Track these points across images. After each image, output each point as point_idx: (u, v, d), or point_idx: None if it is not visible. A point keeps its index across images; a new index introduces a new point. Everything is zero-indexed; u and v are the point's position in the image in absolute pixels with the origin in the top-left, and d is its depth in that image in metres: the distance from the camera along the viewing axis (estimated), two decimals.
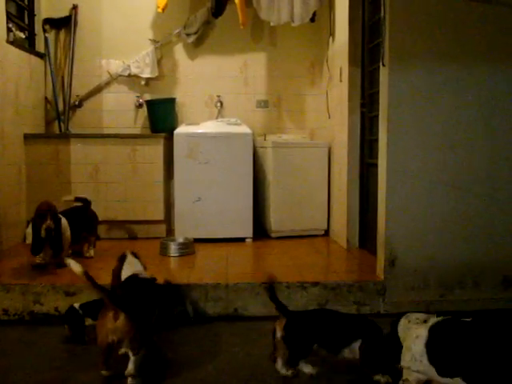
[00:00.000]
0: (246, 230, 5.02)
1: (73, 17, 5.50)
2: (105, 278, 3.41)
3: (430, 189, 3.52)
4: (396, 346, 2.36)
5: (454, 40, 3.47)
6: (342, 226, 4.80)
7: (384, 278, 3.53)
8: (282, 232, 5.12)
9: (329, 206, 5.25)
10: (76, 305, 3.12)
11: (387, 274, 3.52)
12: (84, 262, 4.11)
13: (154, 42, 5.59)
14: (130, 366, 2.47)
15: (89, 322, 3.03)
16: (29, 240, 3.92)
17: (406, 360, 2.32)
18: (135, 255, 3.17)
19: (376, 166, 3.74)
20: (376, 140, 3.87)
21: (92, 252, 4.28)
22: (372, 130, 4.43)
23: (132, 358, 2.48)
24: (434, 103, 3.49)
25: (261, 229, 5.26)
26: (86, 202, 4.35)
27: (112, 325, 2.45)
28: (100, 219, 4.53)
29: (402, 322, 2.39)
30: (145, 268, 3.16)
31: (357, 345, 2.49)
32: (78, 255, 4.22)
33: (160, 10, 5.26)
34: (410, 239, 3.53)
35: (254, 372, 2.66)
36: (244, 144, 5.00)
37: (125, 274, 2.99)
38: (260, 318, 3.40)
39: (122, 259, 3.08)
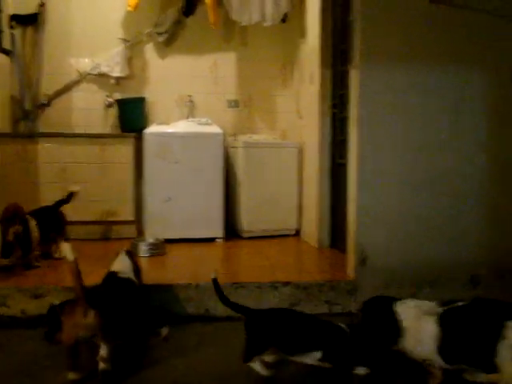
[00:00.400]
0: (217, 230, 5.01)
1: (40, 14, 5.41)
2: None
3: (399, 189, 3.56)
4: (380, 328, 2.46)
5: (422, 42, 3.52)
6: (313, 226, 4.83)
7: (355, 277, 3.56)
8: (253, 232, 5.13)
9: (300, 205, 5.27)
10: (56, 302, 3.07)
11: (358, 274, 3.55)
12: (53, 262, 4.05)
13: (125, 40, 5.53)
14: (102, 352, 2.46)
15: None
16: None
17: (424, 352, 2.41)
18: (129, 254, 3.15)
19: (346, 166, 3.77)
20: (346, 140, 3.90)
21: (61, 253, 4.21)
22: (343, 130, 4.47)
23: (103, 346, 2.47)
24: (403, 104, 3.54)
25: (232, 229, 5.26)
26: (61, 201, 4.28)
27: (82, 321, 2.45)
28: (69, 220, 4.46)
29: (412, 310, 2.45)
30: (137, 268, 3.12)
31: (317, 355, 2.39)
32: (47, 256, 4.16)
33: (131, 9, 5.21)
34: (381, 239, 3.57)
35: (225, 371, 2.66)
36: (215, 144, 4.99)
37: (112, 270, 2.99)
38: (231, 319, 3.38)
39: (116, 257, 3.08)
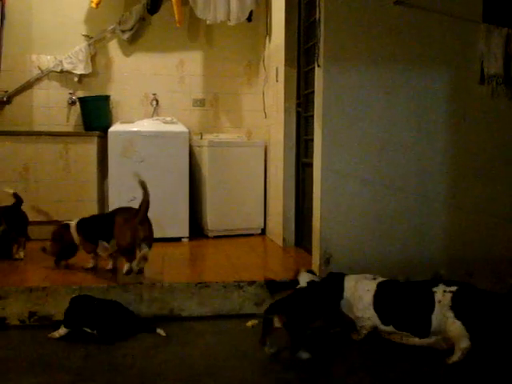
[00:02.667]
0: (182, 229, 4.98)
1: (0, 8, 5.28)
2: (34, 280, 3.34)
3: (363, 188, 3.60)
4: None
5: (387, 43, 3.57)
6: (278, 225, 4.84)
7: (319, 275, 3.58)
8: (218, 231, 5.12)
9: (265, 205, 5.28)
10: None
11: (322, 272, 3.57)
12: (13, 263, 3.97)
13: (88, 37, 5.45)
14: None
15: None
16: None
17: (359, 309, 3.00)
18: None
19: (311, 165, 3.80)
20: (311, 140, 3.93)
21: (22, 254, 4.12)
22: (307, 129, 4.50)
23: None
24: (367, 104, 3.58)
25: (197, 228, 5.24)
26: (18, 201, 4.18)
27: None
28: (30, 219, 4.36)
29: (351, 283, 3.07)
30: None
31: None
32: (7, 257, 4.07)
33: (94, 6, 5.14)
34: (345, 237, 3.60)
35: (191, 372, 2.64)
36: (180, 143, 4.96)
37: None
38: (196, 319, 3.38)
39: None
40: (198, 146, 5.29)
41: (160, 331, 3.10)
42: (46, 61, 5.43)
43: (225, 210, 5.12)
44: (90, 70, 5.46)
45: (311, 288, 3.02)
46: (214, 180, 5.07)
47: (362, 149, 3.58)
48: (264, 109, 5.28)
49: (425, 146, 3.66)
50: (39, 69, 5.41)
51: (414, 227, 3.68)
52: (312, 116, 3.89)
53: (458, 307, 2.75)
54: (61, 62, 5.41)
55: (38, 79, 5.44)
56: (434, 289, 2.87)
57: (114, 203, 4.87)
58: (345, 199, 3.58)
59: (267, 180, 5.26)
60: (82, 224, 3.80)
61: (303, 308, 2.83)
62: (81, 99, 5.39)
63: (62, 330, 3.03)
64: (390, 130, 3.61)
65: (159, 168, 4.90)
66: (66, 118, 5.51)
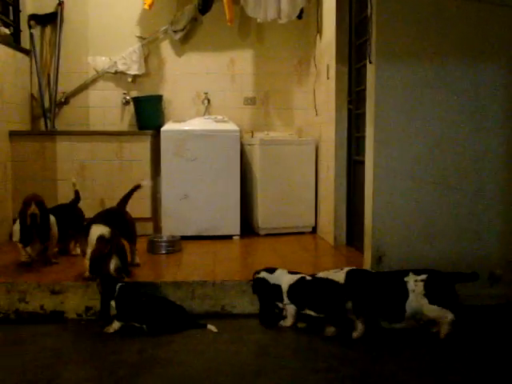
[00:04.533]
0: (233, 227, 5.01)
1: (59, 13, 5.45)
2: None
3: (416, 186, 3.53)
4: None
5: (440, 37, 3.48)
6: (330, 223, 4.81)
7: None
8: (269, 229, 5.12)
9: (316, 202, 5.26)
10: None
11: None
12: (70, 259, 4.09)
13: (141, 38, 5.56)
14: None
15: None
16: (15, 237, 3.90)
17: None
18: None
19: (363, 163, 3.75)
20: (363, 137, 3.88)
21: (79, 250, 4.24)
22: (359, 127, 4.44)
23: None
24: (420, 100, 3.51)
25: (248, 226, 5.26)
26: (76, 199, 4.32)
27: None
28: (86, 217, 4.48)
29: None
30: None
31: None
32: (65, 253, 4.20)
33: (146, 7, 5.24)
34: (397, 236, 3.55)
35: (241, 369, 2.66)
36: (231, 141, 4.99)
37: None
38: (247, 316, 3.40)
39: None
40: (249, 145, 5.31)
41: (211, 327, 3.14)
42: (101, 62, 5.57)
43: (276, 207, 5.12)
44: (143, 71, 5.57)
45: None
46: (265, 178, 5.08)
47: (415, 146, 3.51)
48: (315, 106, 5.25)
49: (481, 142, 3.55)
50: (95, 70, 5.56)
51: (468, 226, 3.58)
52: (364, 113, 3.84)
53: (430, 294, 2.97)
54: (115, 63, 5.54)
55: (94, 80, 5.59)
56: (406, 278, 3.04)
57: (166, 200, 4.96)
58: (398, 197, 3.52)
59: (318, 178, 5.23)
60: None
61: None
62: (134, 99, 5.51)
63: (116, 325, 3.11)
64: (444, 127, 3.53)
65: (211, 166, 4.95)
66: (121, 118, 5.65)
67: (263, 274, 3.30)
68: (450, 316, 2.94)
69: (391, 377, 2.58)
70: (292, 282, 3.21)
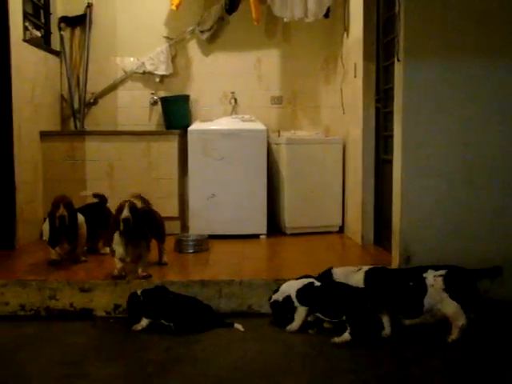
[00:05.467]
0: (260, 226, 5.02)
1: (88, 15, 5.53)
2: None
3: (445, 185, 3.49)
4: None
5: (471, 34, 3.43)
6: (357, 223, 4.77)
7: None
8: (296, 228, 5.11)
9: (343, 202, 5.22)
10: (138, 291, 3.22)
11: None
12: (99, 258, 4.15)
13: (169, 39, 5.60)
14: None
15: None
16: (45, 236, 3.97)
17: None
18: None
19: (391, 161, 3.72)
20: (391, 136, 3.84)
21: (107, 249, 4.29)
22: (387, 125, 4.40)
23: None
24: (449, 99, 3.46)
25: (275, 225, 5.26)
26: (103, 199, 4.37)
27: None
28: None
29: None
30: None
31: None
32: (93, 251, 4.26)
33: (174, 8, 5.27)
34: (426, 236, 3.51)
35: (267, 368, 2.66)
36: (258, 140, 5.00)
37: None
38: None
39: None
40: (276, 144, 5.31)
41: (238, 326, 3.14)
42: (129, 63, 5.64)
43: (303, 207, 5.10)
44: (170, 71, 5.62)
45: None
46: (291, 177, 5.07)
47: (444, 145, 3.47)
48: (342, 105, 5.21)
49: (511, 141, 3.49)
50: (123, 71, 5.62)
51: (499, 227, 3.52)
52: (392, 112, 3.81)
53: (450, 289, 2.96)
54: (143, 63, 5.60)
55: (122, 81, 5.65)
56: (425, 274, 3.05)
57: (193, 199, 4.99)
58: (426, 196, 3.48)
59: (345, 177, 5.20)
60: None
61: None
62: (162, 99, 5.55)
63: (144, 322, 3.14)
64: (475, 126, 3.47)
65: (238, 165, 4.97)
66: (148, 118, 5.70)
67: (273, 297, 3.23)
68: (462, 321, 2.91)
69: (418, 379, 2.56)
70: (300, 287, 3.16)
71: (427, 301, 3.00)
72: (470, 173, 3.48)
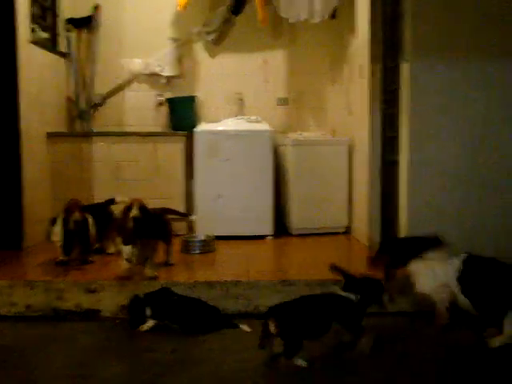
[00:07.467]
0: (266, 227, 5.02)
1: (95, 17, 5.54)
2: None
3: (452, 186, 3.48)
4: None
5: (477, 33, 3.42)
6: (364, 224, 4.76)
7: None
8: (302, 229, 5.11)
9: (350, 203, 5.22)
10: (140, 294, 3.21)
11: None
12: (106, 258, 4.16)
13: (175, 40, 5.61)
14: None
15: (148, 311, 3.13)
16: (54, 237, 3.98)
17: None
18: None
19: (397, 162, 3.71)
20: (397, 137, 3.83)
21: (113, 249, 4.31)
22: (393, 126, 4.38)
23: None
24: (459, 99, 3.45)
25: (282, 226, 5.26)
26: (110, 199, 4.38)
27: None
28: None
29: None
30: None
31: None
32: (100, 252, 4.27)
33: (180, 9, 5.28)
34: None
35: (275, 370, 2.65)
36: (264, 141, 5.00)
37: None
38: None
39: None
40: (282, 145, 5.31)
41: (244, 327, 3.14)
42: (136, 64, 5.65)
43: (309, 208, 5.10)
44: (177, 72, 5.63)
45: (320, 295, 2.91)
46: (298, 178, 5.07)
47: (453, 146, 3.46)
48: (348, 106, 5.21)
49: None
50: (130, 72, 5.63)
51: (510, 228, 3.50)
52: (397, 113, 3.79)
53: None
54: (149, 64, 5.61)
55: (129, 82, 5.67)
56: None
57: (200, 200, 5.00)
58: (433, 197, 3.47)
59: (352, 178, 5.19)
60: None
61: (300, 315, 2.67)
62: (168, 100, 5.57)
63: (150, 323, 3.14)
64: (487, 127, 3.45)
65: (244, 166, 4.97)
66: (155, 119, 5.71)
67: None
68: None
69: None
70: None
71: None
72: (483, 175, 3.46)
